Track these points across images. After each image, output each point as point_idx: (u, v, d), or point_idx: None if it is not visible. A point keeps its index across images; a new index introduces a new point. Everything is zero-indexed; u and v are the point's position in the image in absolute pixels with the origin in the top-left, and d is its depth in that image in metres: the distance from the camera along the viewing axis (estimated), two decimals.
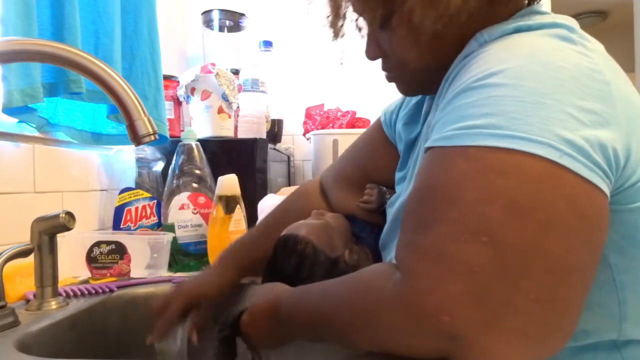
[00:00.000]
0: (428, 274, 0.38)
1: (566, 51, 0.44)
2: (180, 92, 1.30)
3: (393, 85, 0.62)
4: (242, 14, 1.58)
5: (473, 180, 0.39)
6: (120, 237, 0.91)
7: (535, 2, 0.54)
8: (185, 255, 1.03)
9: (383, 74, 0.62)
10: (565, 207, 0.38)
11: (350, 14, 0.60)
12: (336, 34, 0.61)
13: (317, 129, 1.55)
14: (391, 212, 0.64)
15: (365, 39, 0.61)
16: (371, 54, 0.60)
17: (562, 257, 0.38)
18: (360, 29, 0.62)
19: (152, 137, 0.62)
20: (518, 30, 0.48)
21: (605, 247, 0.42)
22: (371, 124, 0.82)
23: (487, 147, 0.39)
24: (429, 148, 0.45)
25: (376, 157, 0.76)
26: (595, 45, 0.47)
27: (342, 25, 0.61)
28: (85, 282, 0.87)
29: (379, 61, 0.60)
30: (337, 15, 0.60)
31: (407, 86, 0.63)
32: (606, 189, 0.40)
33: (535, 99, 0.40)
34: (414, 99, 0.68)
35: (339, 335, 0.45)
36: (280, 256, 0.65)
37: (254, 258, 0.75)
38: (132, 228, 1.05)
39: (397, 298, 0.39)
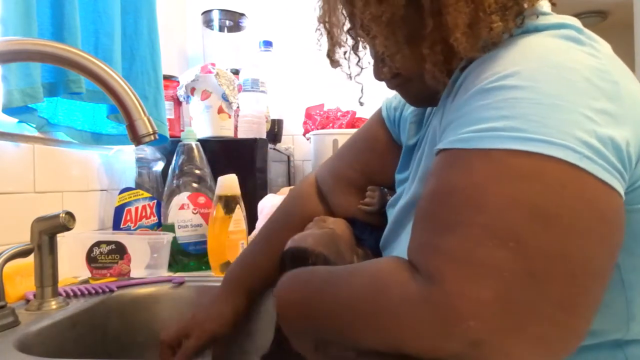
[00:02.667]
0: (457, 278, 0.37)
1: (576, 52, 0.44)
2: (180, 92, 1.30)
3: None
4: (242, 14, 1.58)
5: (497, 184, 0.39)
6: (120, 237, 0.91)
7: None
8: (185, 255, 1.03)
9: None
10: (588, 212, 0.38)
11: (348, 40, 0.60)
12: (334, 64, 0.60)
13: (317, 129, 1.55)
14: (392, 213, 0.64)
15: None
16: (383, 76, 0.58)
17: (585, 262, 0.38)
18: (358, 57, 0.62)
19: (152, 137, 0.62)
20: (526, 32, 0.48)
21: None
22: (369, 117, 0.81)
23: (509, 150, 0.39)
24: (442, 150, 0.44)
25: (379, 158, 0.74)
26: (603, 46, 0.47)
27: (355, 58, 0.61)
28: (85, 282, 0.87)
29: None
30: (334, 45, 0.59)
31: (418, 98, 0.61)
32: (621, 190, 0.40)
33: (551, 101, 0.40)
34: None
35: (341, 333, 0.44)
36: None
37: (263, 275, 0.75)
38: (132, 228, 1.05)
39: (424, 300, 0.38)
